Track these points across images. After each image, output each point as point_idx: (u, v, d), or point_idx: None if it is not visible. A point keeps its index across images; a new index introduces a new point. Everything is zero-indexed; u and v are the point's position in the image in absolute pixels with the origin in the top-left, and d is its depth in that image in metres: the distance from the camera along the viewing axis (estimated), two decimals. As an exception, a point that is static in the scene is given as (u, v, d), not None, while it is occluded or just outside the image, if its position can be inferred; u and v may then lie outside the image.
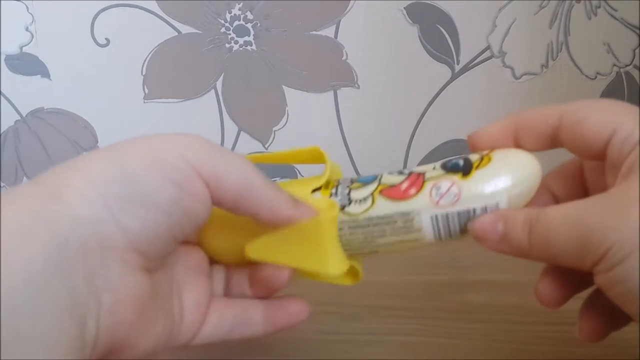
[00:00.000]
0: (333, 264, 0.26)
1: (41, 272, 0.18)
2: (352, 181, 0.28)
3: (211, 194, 0.23)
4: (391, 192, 0.26)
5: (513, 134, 0.27)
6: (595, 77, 0.53)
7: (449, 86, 0.54)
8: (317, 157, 0.29)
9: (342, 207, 0.26)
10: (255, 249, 0.26)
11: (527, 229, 0.23)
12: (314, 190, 0.27)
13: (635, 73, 0.53)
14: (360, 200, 0.26)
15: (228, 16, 0.52)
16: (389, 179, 0.27)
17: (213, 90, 0.55)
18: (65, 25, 0.53)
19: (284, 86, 0.55)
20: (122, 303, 0.21)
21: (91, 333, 0.20)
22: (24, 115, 0.57)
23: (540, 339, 0.35)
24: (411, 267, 0.28)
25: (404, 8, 0.51)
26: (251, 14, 0.52)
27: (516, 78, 0.53)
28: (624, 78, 0.53)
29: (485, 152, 0.27)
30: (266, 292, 0.29)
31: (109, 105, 0.56)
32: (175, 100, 0.56)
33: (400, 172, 0.27)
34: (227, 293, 0.29)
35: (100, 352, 0.21)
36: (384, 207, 0.26)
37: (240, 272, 0.29)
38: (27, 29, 0.54)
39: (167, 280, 0.25)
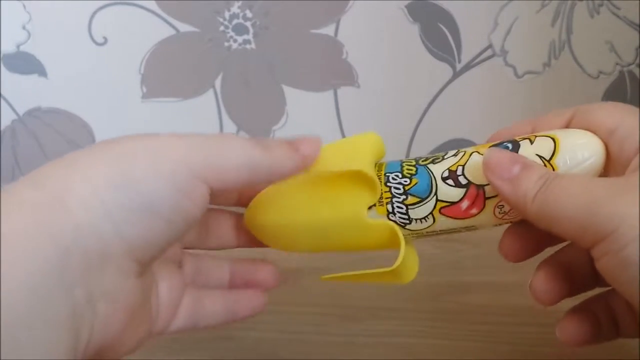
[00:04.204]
0: (408, 276, 0.27)
1: (43, 283, 0.18)
2: (404, 189, 0.26)
3: (217, 190, 0.23)
4: (452, 212, 0.26)
5: (531, 132, 0.27)
6: (598, 76, 0.52)
7: (450, 85, 0.53)
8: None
9: (403, 225, 0.27)
10: (329, 277, 0.28)
11: (540, 183, 0.23)
12: (369, 208, 0.27)
13: (637, 72, 0.52)
14: (421, 219, 0.26)
15: (227, 14, 0.52)
16: (446, 191, 0.26)
17: (212, 90, 0.55)
18: (63, 24, 0.53)
19: (283, 85, 0.54)
20: (116, 313, 0.22)
21: (83, 342, 0.20)
22: (21, 115, 0.57)
23: (541, 341, 0.35)
24: (412, 268, 0.28)
25: (405, 6, 0.51)
26: (250, 12, 0.52)
27: (518, 77, 0.53)
28: (626, 77, 0.52)
29: (546, 154, 0.25)
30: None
31: (107, 105, 0.56)
32: (174, 99, 0.55)
33: (455, 181, 0.26)
34: (196, 281, 0.30)
35: (87, 357, 0.21)
36: (446, 223, 0.26)
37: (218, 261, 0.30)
38: (24, 28, 0.53)
39: (150, 279, 0.25)
